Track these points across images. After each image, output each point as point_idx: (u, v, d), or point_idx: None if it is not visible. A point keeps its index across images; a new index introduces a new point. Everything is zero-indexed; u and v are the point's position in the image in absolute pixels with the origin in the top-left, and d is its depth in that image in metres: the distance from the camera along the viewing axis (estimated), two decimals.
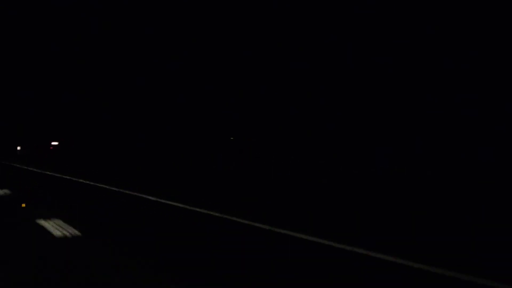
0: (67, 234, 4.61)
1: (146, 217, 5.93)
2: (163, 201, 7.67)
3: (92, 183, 11.98)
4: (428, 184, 9.58)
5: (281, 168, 13.32)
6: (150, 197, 8.40)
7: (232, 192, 9.10)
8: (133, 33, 19.56)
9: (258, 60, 14.60)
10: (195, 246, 4.16)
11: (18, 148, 34.92)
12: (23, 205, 7.00)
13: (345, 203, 7.19)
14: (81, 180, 13.01)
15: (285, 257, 3.77)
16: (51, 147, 31.69)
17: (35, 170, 18.69)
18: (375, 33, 11.77)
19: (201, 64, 17.11)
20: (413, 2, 11.17)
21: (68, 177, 14.24)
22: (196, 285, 3.00)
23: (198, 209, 6.46)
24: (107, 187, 10.65)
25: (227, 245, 4.22)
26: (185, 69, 17.86)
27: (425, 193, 8.54)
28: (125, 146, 21.15)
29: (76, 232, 4.74)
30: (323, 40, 12.71)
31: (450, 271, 3.26)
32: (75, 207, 6.78)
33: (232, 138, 16.78)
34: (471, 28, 10.13)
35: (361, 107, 12.28)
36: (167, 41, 18.32)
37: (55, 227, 5.05)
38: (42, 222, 5.39)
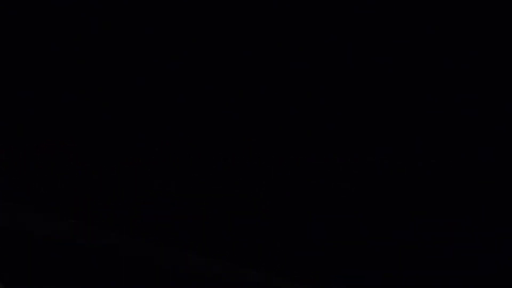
0: None
1: None
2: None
3: None
4: (428, 184, 9.60)
5: (281, 168, 13.35)
6: None
7: (231, 192, 9.15)
8: (133, 33, 19.67)
9: (258, 60, 14.66)
10: None
11: None
12: None
13: (345, 203, 7.22)
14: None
15: None
16: None
17: None
18: (375, 33, 11.80)
19: (201, 64, 17.18)
20: (413, 2, 11.21)
21: None
22: None
23: None
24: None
25: None
26: (185, 69, 17.94)
27: (425, 193, 8.57)
28: (125, 146, 21.27)
29: None
30: (323, 40, 12.76)
31: None
32: None
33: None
34: (471, 28, 10.16)
35: (361, 107, 12.31)
36: (167, 41, 18.42)
37: None
38: None
